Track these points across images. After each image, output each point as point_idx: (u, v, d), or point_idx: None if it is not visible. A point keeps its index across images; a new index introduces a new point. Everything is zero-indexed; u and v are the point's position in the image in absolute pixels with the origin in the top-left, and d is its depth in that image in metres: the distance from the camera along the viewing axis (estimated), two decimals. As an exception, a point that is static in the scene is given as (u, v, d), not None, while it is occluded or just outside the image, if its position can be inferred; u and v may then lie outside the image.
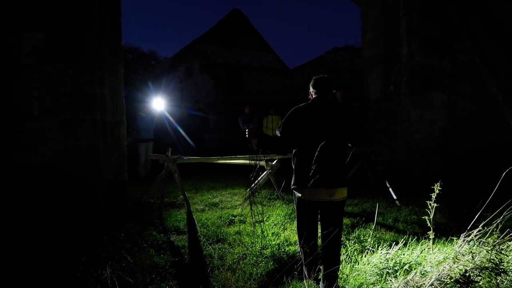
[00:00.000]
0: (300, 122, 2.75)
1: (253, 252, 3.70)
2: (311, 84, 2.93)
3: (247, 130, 2.86)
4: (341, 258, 3.32)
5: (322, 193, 2.67)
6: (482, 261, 2.24)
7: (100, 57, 4.86)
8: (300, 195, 2.78)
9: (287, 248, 3.80)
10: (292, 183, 2.85)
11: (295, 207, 2.93)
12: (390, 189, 6.23)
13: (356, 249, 3.68)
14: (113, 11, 5.12)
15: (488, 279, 2.16)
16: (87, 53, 4.70)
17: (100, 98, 4.87)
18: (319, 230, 2.87)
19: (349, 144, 3.00)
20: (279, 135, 2.79)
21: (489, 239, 2.54)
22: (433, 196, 2.91)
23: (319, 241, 2.90)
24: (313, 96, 2.90)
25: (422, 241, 3.65)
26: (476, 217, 2.93)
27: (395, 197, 6.03)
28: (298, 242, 2.94)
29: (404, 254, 3.24)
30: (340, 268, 3.13)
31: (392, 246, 3.34)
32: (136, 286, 2.90)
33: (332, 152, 2.68)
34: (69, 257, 3.25)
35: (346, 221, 4.83)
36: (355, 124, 2.88)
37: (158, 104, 10.57)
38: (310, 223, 2.79)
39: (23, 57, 4.33)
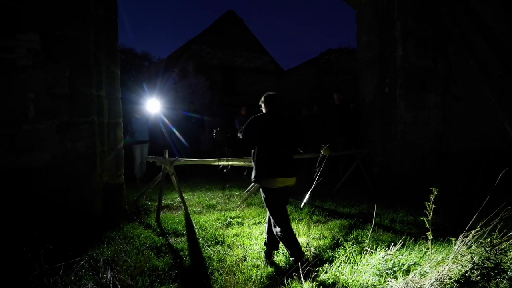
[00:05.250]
0: (259, 128, 3.31)
1: (252, 254, 3.71)
2: (263, 100, 3.64)
3: (214, 131, 3.37)
4: (340, 259, 3.34)
5: (282, 181, 3.30)
6: (481, 261, 2.26)
7: (96, 58, 4.83)
8: (265, 185, 3.31)
9: (285, 250, 3.80)
10: (252, 176, 3.39)
11: (263, 199, 3.42)
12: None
13: (354, 250, 3.70)
14: (109, 11, 5.08)
15: (488, 279, 2.19)
16: (84, 55, 4.67)
17: (96, 100, 4.84)
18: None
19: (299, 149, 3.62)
20: (241, 138, 3.33)
21: (488, 239, 2.57)
22: (431, 197, 2.94)
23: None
24: (267, 109, 3.57)
25: (420, 241, 3.69)
26: (474, 218, 2.96)
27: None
28: (273, 227, 3.37)
29: (402, 255, 3.27)
30: (340, 269, 3.16)
31: (390, 247, 3.37)
32: (137, 290, 2.89)
33: (286, 151, 3.39)
34: (67, 261, 3.22)
35: (343, 222, 4.86)
36: (300, 132, 3.57)
37: (153, 105, 10.52)
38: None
39: (18, 58, 4.28)
